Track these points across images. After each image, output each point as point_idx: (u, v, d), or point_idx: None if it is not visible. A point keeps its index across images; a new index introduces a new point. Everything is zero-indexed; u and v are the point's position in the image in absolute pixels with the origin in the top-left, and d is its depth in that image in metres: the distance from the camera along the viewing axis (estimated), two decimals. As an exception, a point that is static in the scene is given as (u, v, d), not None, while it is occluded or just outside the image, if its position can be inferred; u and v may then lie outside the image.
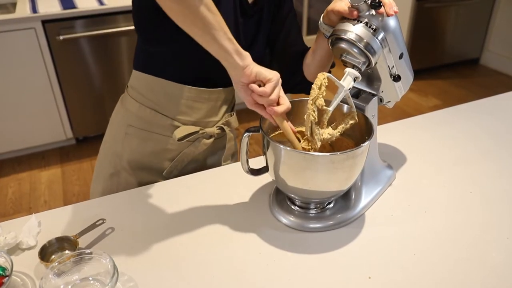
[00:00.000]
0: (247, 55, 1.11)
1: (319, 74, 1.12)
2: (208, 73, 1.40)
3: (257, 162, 1.47)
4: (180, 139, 1.44)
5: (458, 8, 4.97)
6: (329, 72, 1.45)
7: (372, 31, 1.10)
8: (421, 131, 1.74)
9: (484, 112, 1.87)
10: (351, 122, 1.20)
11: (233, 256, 1.15)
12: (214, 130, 1.49)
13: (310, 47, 1.46)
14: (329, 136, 1.18)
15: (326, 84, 1.12)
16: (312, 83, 1.27)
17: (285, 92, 1.49)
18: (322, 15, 1.24)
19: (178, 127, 1.45)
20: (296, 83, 1.50)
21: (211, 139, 1.51)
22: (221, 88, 1.45)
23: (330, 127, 1.20)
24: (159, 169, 1.52)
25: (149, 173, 1.52)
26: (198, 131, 1.45)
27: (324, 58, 1.38)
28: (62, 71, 3.45)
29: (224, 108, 1.52)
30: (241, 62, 1.09)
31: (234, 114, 1.57)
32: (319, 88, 1.11)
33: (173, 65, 1.38)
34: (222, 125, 1.51)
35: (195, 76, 1.40)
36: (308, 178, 1.13)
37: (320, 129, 1.17)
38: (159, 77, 1.40)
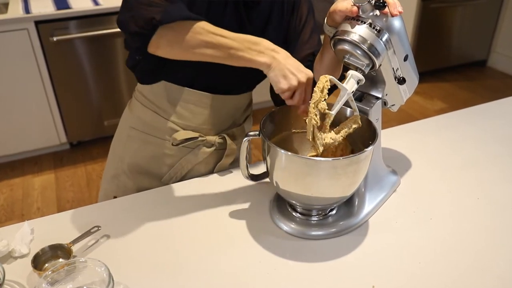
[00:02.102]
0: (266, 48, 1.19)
1: (321, 77, 1.12)
2: (211, 78, 1.40)
3: (257, 168, 1.47)
4: (176, 144, 1.44)
5: (464, 8, 4.97)
6: (342, 76, 1.45)
7: (376, 32, 1.11)
8: (427, 135, 1.74)
9: (492, 115, 1.88)
10: (354, 126, 1.21)
11: (232, 264, 1.15)
12: (215, 139, 1.48)
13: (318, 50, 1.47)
14: (332, 141, 1.18)
15: (329, 87, 1.12)
16: None
17: None
18: (326, 16, 1.25)
19: (177, 131, 1.45)
20: None
21: (212, 148, 1.49)
22: (225, 95, 1.45)
23: (332, 131, 1.20)
24: (158, 175, 1.52)
25: (148, 177, 1.52)
26: (196, 137, 1.45)
27: (333, 62, 1.36)
28: (56, 74, 3.45)
29: (231, 117, 1.51)
30: (266, 66, 1.18)
31: (246, 123, 1.56)
32: (321, 91, 1.11)
33: (174, 68, 1.38)
34: (225, 135, 1.50)
35: (197, 80, 1.40)
36: (310, 184, 1.13)
37: (322, 133, 1.17)
38: (161, 79, 1.41)
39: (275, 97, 1.55)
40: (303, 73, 1.17)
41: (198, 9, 1.25)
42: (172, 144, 1.44)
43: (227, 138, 1.50)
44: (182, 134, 1.44)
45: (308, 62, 1.44)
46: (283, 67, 1.16)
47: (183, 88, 1.40)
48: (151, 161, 1.51)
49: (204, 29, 1.16)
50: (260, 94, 1.61)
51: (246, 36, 1.18)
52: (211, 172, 1.56)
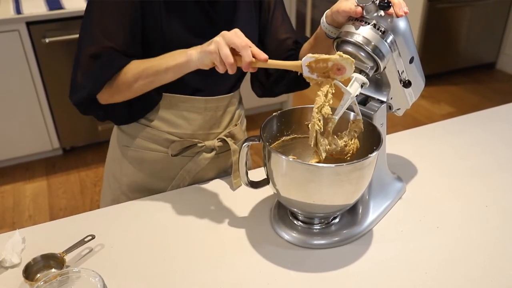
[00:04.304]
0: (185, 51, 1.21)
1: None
2: (200, 81, 1.40)
3: (257, 174, 1.47)
4: (175, 154, 1.44)
5: (473, 8, 4.98)
6: None
7: (380, 33, 1.11)
8: (433, 141, 1.74)
9: (501, 120, 1.88)
10: (356, 130, 1.21)
11: (231, 274, 1.15)
12: (214, 142, 1.48)
13: (302, 37, 1.50)
14: (334, 146, 1.18)
15: (333, 91, 1.12)
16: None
17: (281, 92, 1.50)
18: (325, 13, 1.25)
19: (174, 141, 1.45)
20: (292, 79, 1.51)
21: (212, 153, 1.49)
22: (219, 96, 1.45)
23: (335, 136, 1.20)
24: (160, 190, 1.51)
25: (149, 195, 1.50)
26: (195, 144, 1.45)
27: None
28: (48, 76, 3.45)
29: (227, 118, 1.51)
30: (188, 61, 1.19)
31: (240, 124, 1.56)
32: (325, 96, 1.11)
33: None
34: (224, 137, 1.50)
35: (186, 85, 1.39)
36: (312, 191, 1.13)
37: (325, 139, 1.17)
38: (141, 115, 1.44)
39: (257, 88, 1.61)
40: (218, 37, 1.14)
41: (154, 10, 1.29)
42: (171, 155, 1.44)
43: (227, 140, 1.49)
44: (179, 144, 1.44)
45: (291, 51, 1.48)
46: (199, 48, 1.16)
47: (174, 95, 1.41)
48: (150, 177, 1.51)
49: (128, 68, 1.27)
50: (260, 99, 1.62)
51: (167, 53, 1.25)
52: (214, 179, 1.55)
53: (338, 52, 1.08)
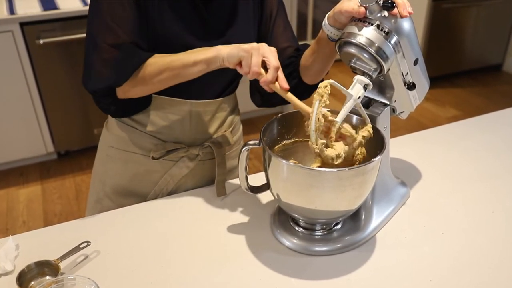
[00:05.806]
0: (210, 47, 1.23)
1: (320, 84, 1.12)
2: (185, 83, 1.37)
3: (257, 179, 1.47)
4: (157, 157, 1.44)
5: (479, 9, 4.98)
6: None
7: (384, 34, 1.11)
8: (438, 145, 1.74)
9: (507, 123, 1.88)
10: (364, 135, 1.20)
11: (231, 282, 1.15)
12: (199, 149, 1.47)
13: (303, 46, 1.49)
14: (343, 154, 1.18)
15: (329, 92, 1.12)
16: (311, 86, 1.37)
17: (280, 102, 1.50)
18: (327, 15, 1.25)
19: (157, 144, 1.45)
20: (293, 87, 1.49)
21: (196, 160, 1.49)
22: (207, 101, 1.45)
23: (341, 141, 1.19)
24: (143, 194, 1.52)
25: (132, 199, 1.52)
26: (178, 149, 1.45)
27: (325, 61, 1.39)
28: (42, 79, 3.45)
29: (215, 124, 1.50)
30: (216, 57, 1.20)
31: (232, 132, 1.55)
32: (321, 97, 1.11)
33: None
34: (210, 144, 1.48)
35: (174, 87, 1.37)
36: (314, 197, 1.13)
37: (330, 143, 1.17)
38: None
39: (255, 98, 1.60)
40: (250, 44, 1.18)
41: (148, 7, 1.30)
42: (153, 158, 1.44)
43: (212, 147, 1.48)
44: (162, 147, 1.44)
45: (291, 58, 1.47)
46: (229, 47, 1.19)
47: (160, 97, 1.41)
48: (134, 180, 1.51)
49: (153, 61, 1.27)
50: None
51: (191, 50, 1.26)
52: (199, 186, 1.55)
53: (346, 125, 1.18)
